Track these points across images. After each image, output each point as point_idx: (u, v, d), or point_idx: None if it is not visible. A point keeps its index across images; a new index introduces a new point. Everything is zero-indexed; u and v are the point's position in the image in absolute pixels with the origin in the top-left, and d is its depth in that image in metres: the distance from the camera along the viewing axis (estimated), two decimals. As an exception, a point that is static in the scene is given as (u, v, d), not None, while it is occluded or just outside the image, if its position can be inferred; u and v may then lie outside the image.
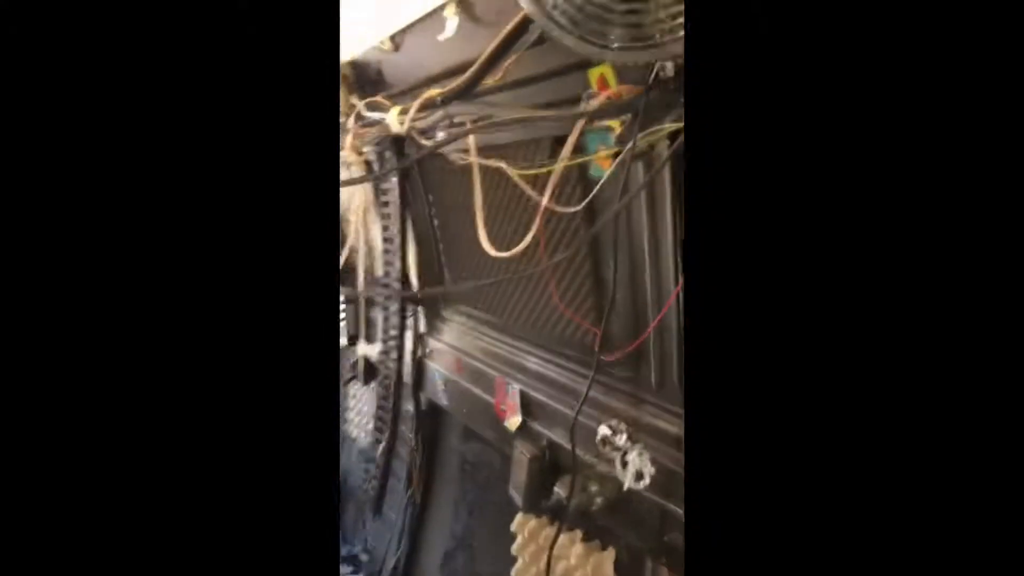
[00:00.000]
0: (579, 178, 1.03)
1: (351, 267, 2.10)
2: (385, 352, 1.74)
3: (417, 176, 1.61)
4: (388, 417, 1.75)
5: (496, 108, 0.90)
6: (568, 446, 1.18)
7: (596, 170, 0.93)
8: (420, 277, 1.75)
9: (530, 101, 0.99)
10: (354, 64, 1.49)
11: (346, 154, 1.35)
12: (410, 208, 1.67)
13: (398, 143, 1.51)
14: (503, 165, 0.86)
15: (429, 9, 1.01)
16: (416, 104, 1.04)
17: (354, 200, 1.56)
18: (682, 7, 0.53)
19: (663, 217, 0.90)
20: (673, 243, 0.89)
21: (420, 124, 1.11)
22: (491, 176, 1.13)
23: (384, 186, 1.65)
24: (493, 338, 1.58)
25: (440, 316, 1.81)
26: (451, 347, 1.70)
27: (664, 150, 0.82)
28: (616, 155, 0.86)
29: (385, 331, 1.76)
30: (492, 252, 0.94)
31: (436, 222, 1.65)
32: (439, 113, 1.02)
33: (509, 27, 0.74)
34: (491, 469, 1.68)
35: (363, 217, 1.55)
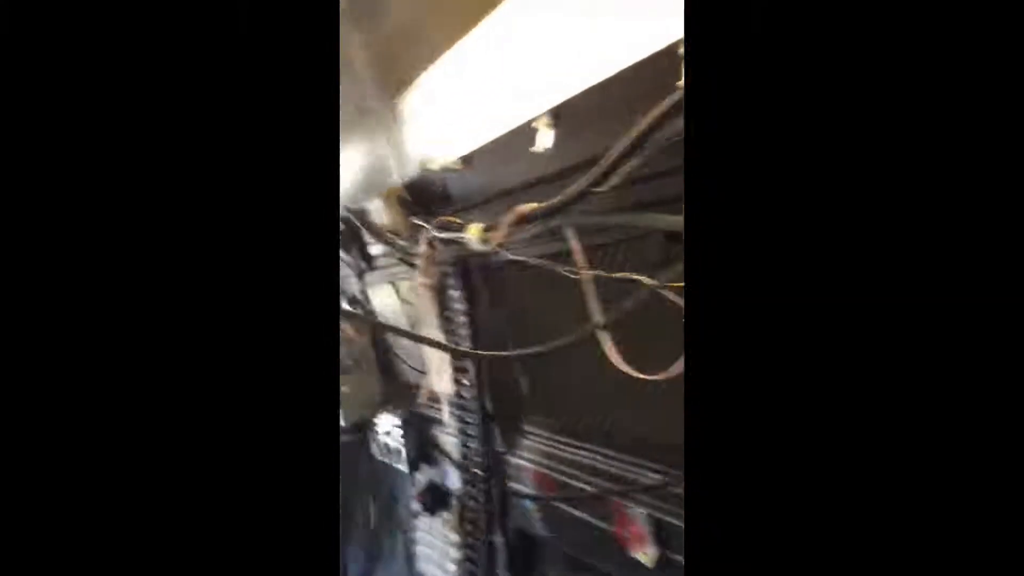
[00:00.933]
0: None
1: (410, 385, 1.99)
2: (469, 482, 1.58)
3: (482, 285, 1.54)
4: (480, 557, 1.55)
5: (614, 215, 0.83)
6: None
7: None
8: (494, 395, 1.63)
9: (631, 200, 0.92)
10: (410, 185, 1.47)
11: (421, 278, 1.29)
12: (478, 320, 1.58)
13: (463, 261, 1.45)
14: (644, 279, 0.76)
15: (514, 127, 0.97)
16: (509, 219, 0.97)
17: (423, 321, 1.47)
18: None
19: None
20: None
21: (509, 239, 1.05)
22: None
23: (447, 299, 1.58)
24: (587, 449, 1.43)
25: (519, 430, 1.66)
26: (539, 464, 1.54)
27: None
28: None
29: (464, 456, 1.61)
30: (636, 374, 0.83)
31: (510, 331, 1.55)
32: (537, 226, 0.95)
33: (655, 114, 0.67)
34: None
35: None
